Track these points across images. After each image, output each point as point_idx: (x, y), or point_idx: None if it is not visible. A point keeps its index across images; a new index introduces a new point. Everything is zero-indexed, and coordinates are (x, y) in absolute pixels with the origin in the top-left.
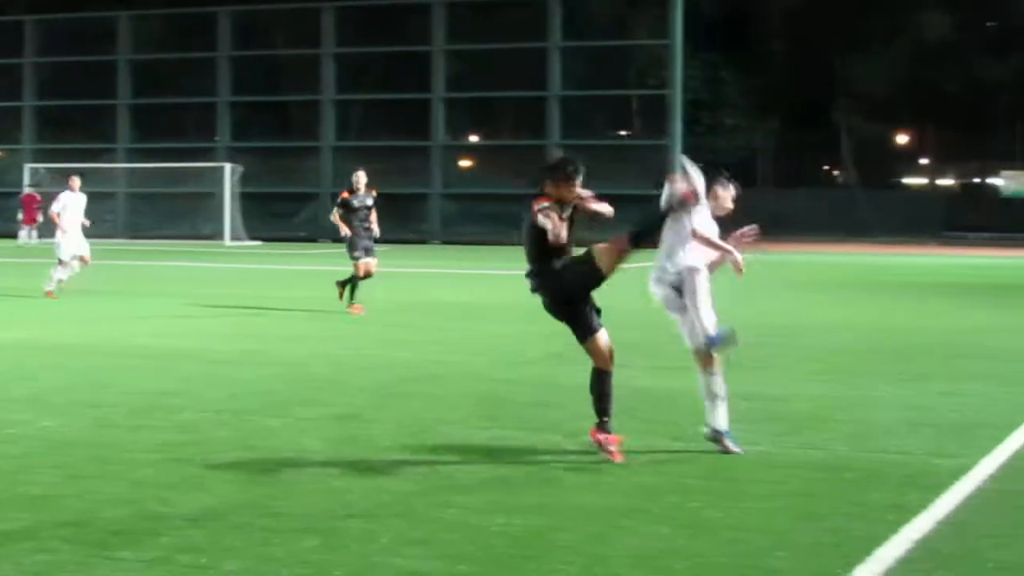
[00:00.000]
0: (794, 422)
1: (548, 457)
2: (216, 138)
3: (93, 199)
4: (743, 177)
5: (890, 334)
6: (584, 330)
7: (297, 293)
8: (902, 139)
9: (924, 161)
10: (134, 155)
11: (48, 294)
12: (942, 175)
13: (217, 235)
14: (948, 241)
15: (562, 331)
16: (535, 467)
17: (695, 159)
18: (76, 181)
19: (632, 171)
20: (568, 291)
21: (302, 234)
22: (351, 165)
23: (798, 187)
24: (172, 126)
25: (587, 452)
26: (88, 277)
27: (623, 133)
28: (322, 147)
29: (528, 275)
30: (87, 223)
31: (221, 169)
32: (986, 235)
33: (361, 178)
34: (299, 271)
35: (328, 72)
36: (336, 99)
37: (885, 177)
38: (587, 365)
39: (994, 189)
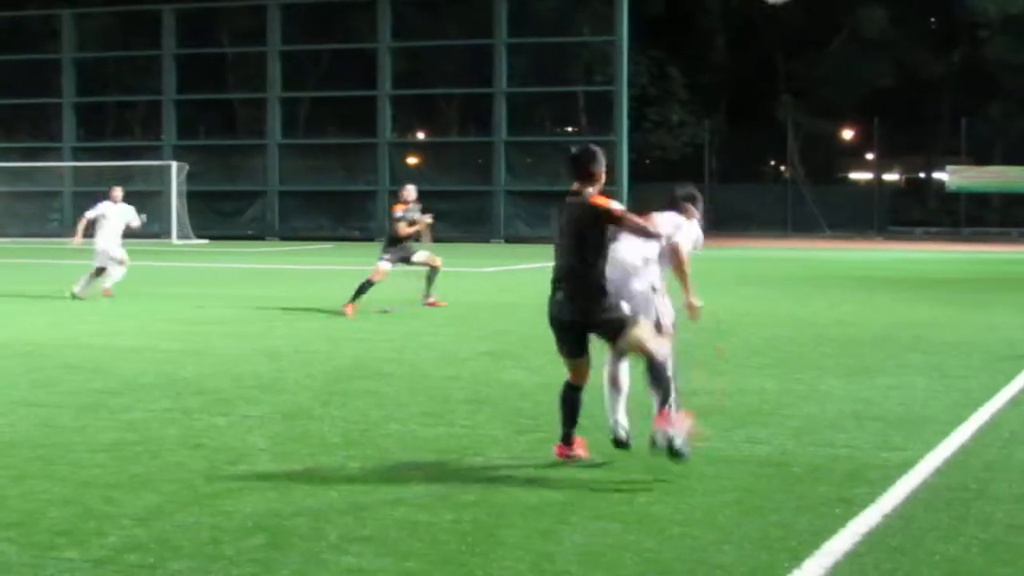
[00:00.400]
0: (741, 416)
1: (495, 454)
2: (162, 136)
3: (38, 198)
4: (690, 173)
5: (836, 328)
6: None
7: (244, 291)
8: (847, 134)
9: (869, 156)
10: (80, 154)
11: (105, 292)
12: (887, 170)
13: (164, 233)
14: (893, 236)
15: (508, 328)
16: (483, 464)
17: (642, 155)
18: (118, 192)
19: None
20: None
21: (249, 232)
22: (297, 162)
23: (745, 182)
24: (117, 124)
25: (534, 448)
26: (34, 277)
27: (570, 129)
28: (268, 145)
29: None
30: (136, 224)
31: (167, 167)
32: (932, 230)
33: (411, 192)
34: (246, 269)
35: (274, 69)
36: (282, 96)
37: (831, 172)
38: (530, 362)
39: (939, 184)
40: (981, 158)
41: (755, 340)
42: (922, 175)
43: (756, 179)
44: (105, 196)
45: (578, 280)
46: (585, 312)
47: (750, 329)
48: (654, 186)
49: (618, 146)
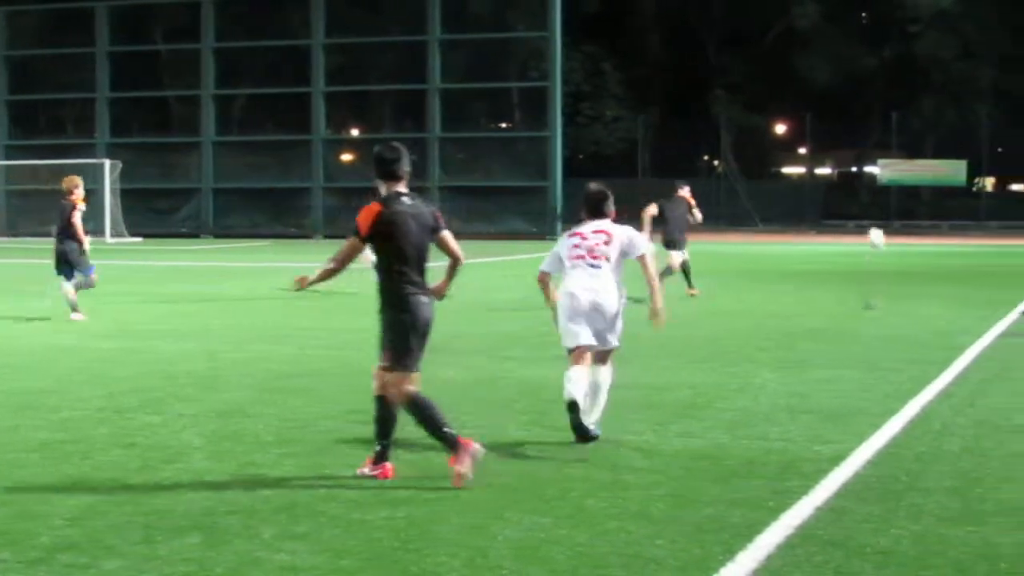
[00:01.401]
0: (675, 410)
1: (429, 450)
2: (95, 134)
3: None
4: (624, 168)
5: (770, 322)
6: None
7: (178, 289)
8: (780, 129)
9: (802, 151)
10: (12, 152)
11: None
12: (820, 164)
13: (97, 232)
14: (826, 229)
15: (437, 327)
16: (417, 460)
17: (576, 150)
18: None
19: (513, 163)
20: None
21: (184, 230)
22: (232, 159)
23: (678, 177)
24: (50, 122)
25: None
26: None
27: (504, 125)
28: (203, 142)
29: None
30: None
31: (100, 165)
32: (864, 223)
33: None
34: (180, 267)
35: (208, 66)
36: (216, 94)
37: (764, 167)
38: (468, 359)
39: (871, 177)
40: (912, 151)
41: (690, 334)
42: (854, 169)
43: (690, 174)
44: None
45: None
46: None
47: (685, 323)
48: (588, 181)
49: (552, 141)
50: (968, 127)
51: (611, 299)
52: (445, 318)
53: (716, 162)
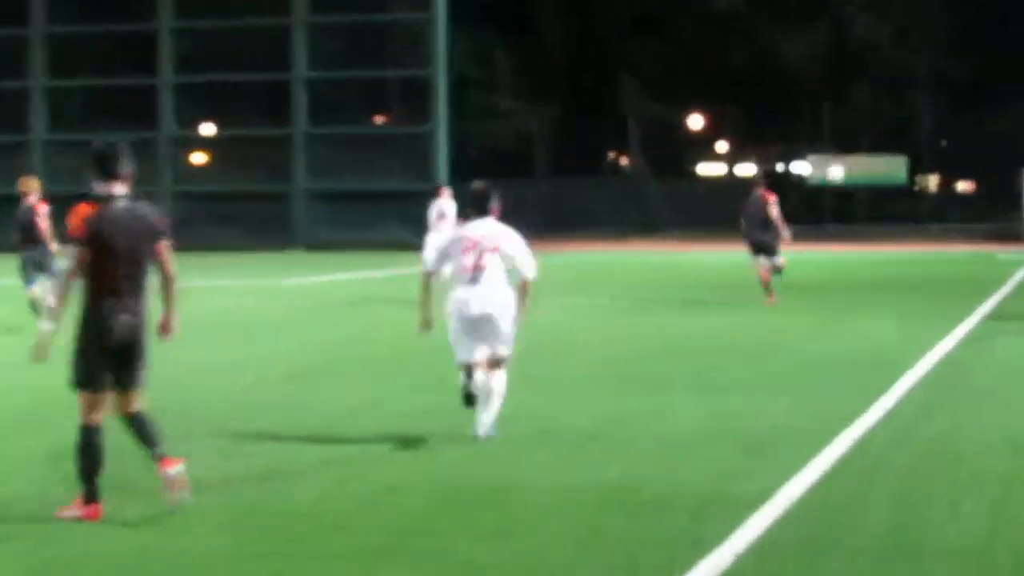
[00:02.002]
0: (580, 442)
1: (317, 482)
2: None
3: None
4: (520, 166)
5: (686, 340)
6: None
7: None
8: (696, 122)
9: (721, 147)
10: None
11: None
12: (741, 161)
13: None
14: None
15: (304, 347)
16: (283, 497)
17: (464, 146)
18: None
19: (392, 163)
20: None
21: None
22: (66, 161)
23: (581, 177)
24: None
25: (387, 487)
26: None
27: (381, 120)
28: (31, 140)
29: None
30: None
31: None
32: (793, 227)
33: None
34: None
35: (38, 56)
36: (48, 86)
37: (678, 165)
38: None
39: (800, 177)
40: (846, 147)
41: (594, 356)
42: (780, 167)
43: (594, 173)
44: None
45: (140, 298)
46: (137, 337)
47: (588, 344)
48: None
49: (436, 137)
50: (908, 119)
51: (502, 308)
52: (315, 343)
53: (623, 160)
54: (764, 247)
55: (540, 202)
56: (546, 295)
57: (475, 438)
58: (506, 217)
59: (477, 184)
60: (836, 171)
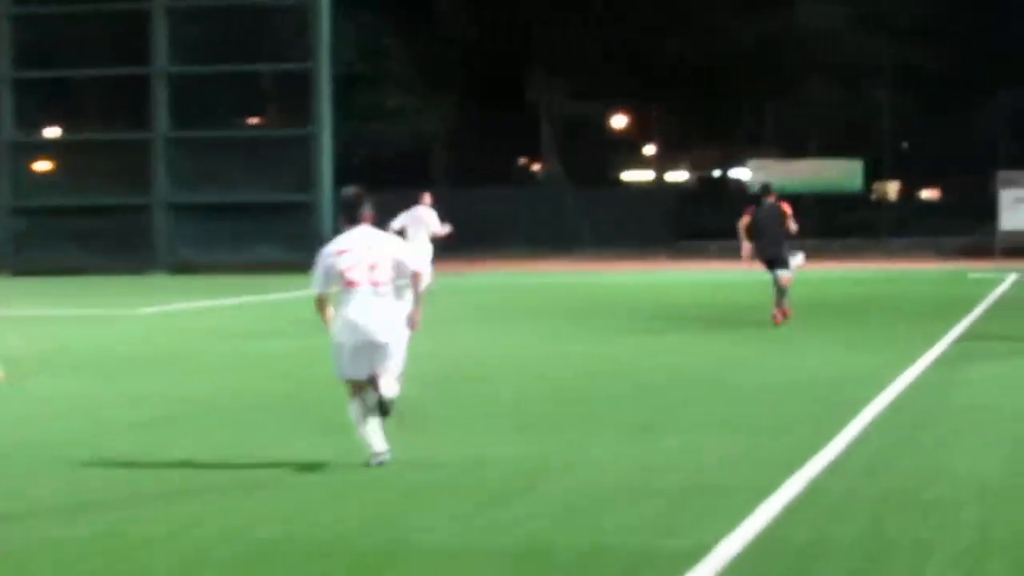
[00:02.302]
0: (486, 495)
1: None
2: None
3: None
4: (416, 174)
5: (610, 375)
6: None
7: None
8: (620, 122)
9: (650, 150)
10: None
11: None
12: (673, 168)
13: None
14: (683, 252)
15: (167, 391)
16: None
17: (352, 152)
18: None
19: (267, 171)
20: None
21: None
22: None
23: (485, 185)
24: None
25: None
26: None
27: (254, 122)
28: None
29: None
30: None
31: None
32: (733, 243)
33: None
34: None
35: None
36: None
37: (600, 172)
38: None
39: (740, 184)
40: (793, 149)
41: (504, 393)
42: (718, 173)
43: (503, 181)
44: None
45: None
46: None
47: (497, 379)
48: (371, 192)
49: (319, 141)
50: (865, 118)
51: (389, 327)
52: (178, 384)
53: (536, 165)
54: (780, 261)
55: (439, 214)
56: (450, 324)
57: (372, 458)
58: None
59: (347, 190)
60: (781, 177)
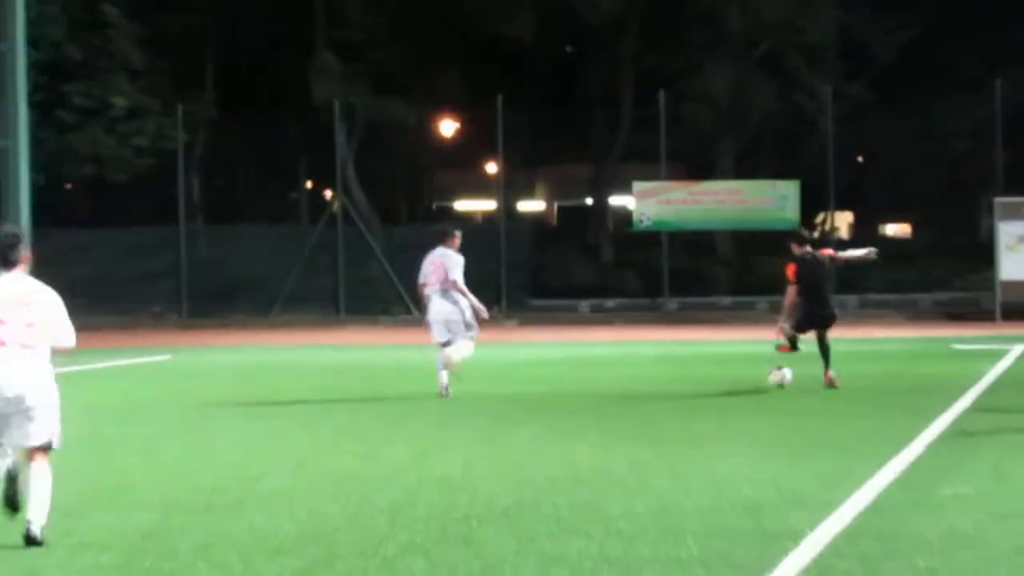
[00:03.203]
0: None
1: None
2: None
3: None
4: (152, 204)
5: (426, 500)
6: None
7: None
8: (447, 129)
9: (491, 168)
10: None
11: None
12: (524, 195)
13: None
14: (534, 316)
15: None
16: None
17: (57, 174)
18: None
19: None
20: None
21: None
22: None
23: (254, 222)
24: None
25: None
26: None
27: None
28: None
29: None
30: None
31: None
32: (609, 303)
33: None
34: None
35: None
36: None
37: (415, 202)
38: None
39: (620, 215)
40: (697, 166)
41: (282, 523)
42: (588, 201)
43: (273, 215)
44: None
45: None
46: None
47: (274, 504)
48: (61, 233)
49: (13, 158)
50: (799, 123)
51: (35, 389)
52: None
53: (326, 193)
54: (829, 319)
55: (183, 262)
56: (211, 421)
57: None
58: (126, 295)
59: (4, 229)
60: (679, 207)
